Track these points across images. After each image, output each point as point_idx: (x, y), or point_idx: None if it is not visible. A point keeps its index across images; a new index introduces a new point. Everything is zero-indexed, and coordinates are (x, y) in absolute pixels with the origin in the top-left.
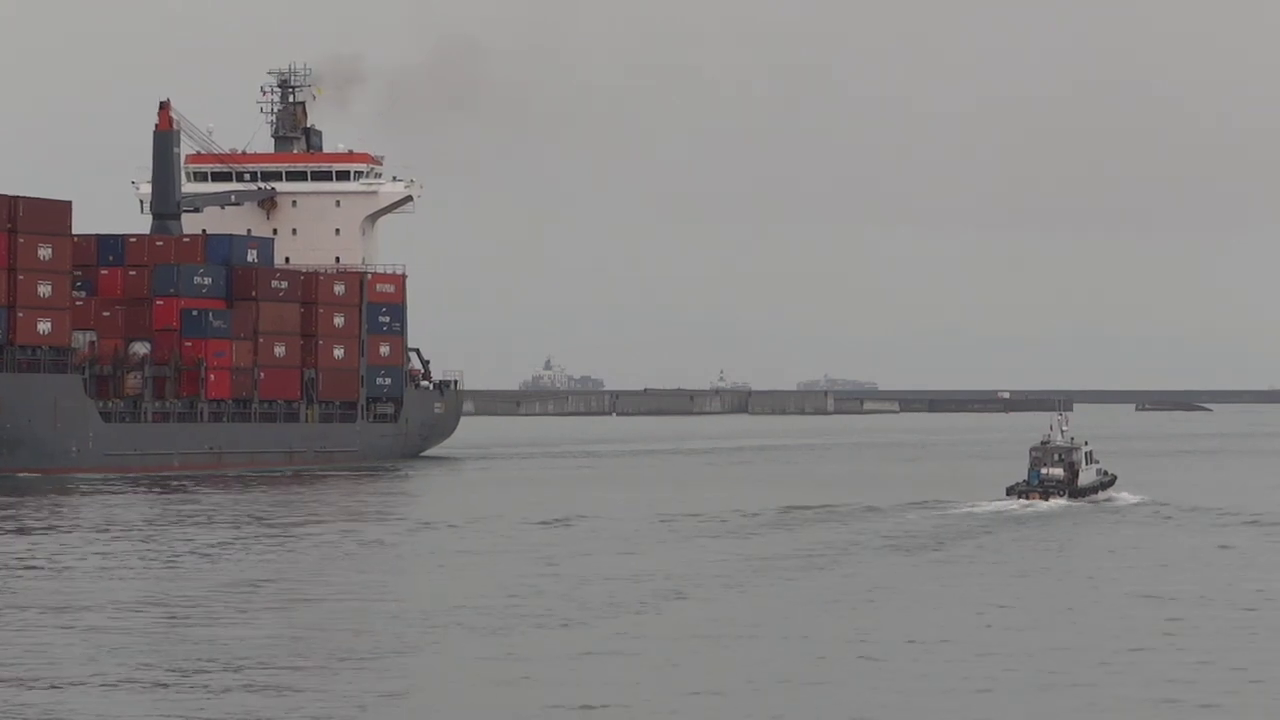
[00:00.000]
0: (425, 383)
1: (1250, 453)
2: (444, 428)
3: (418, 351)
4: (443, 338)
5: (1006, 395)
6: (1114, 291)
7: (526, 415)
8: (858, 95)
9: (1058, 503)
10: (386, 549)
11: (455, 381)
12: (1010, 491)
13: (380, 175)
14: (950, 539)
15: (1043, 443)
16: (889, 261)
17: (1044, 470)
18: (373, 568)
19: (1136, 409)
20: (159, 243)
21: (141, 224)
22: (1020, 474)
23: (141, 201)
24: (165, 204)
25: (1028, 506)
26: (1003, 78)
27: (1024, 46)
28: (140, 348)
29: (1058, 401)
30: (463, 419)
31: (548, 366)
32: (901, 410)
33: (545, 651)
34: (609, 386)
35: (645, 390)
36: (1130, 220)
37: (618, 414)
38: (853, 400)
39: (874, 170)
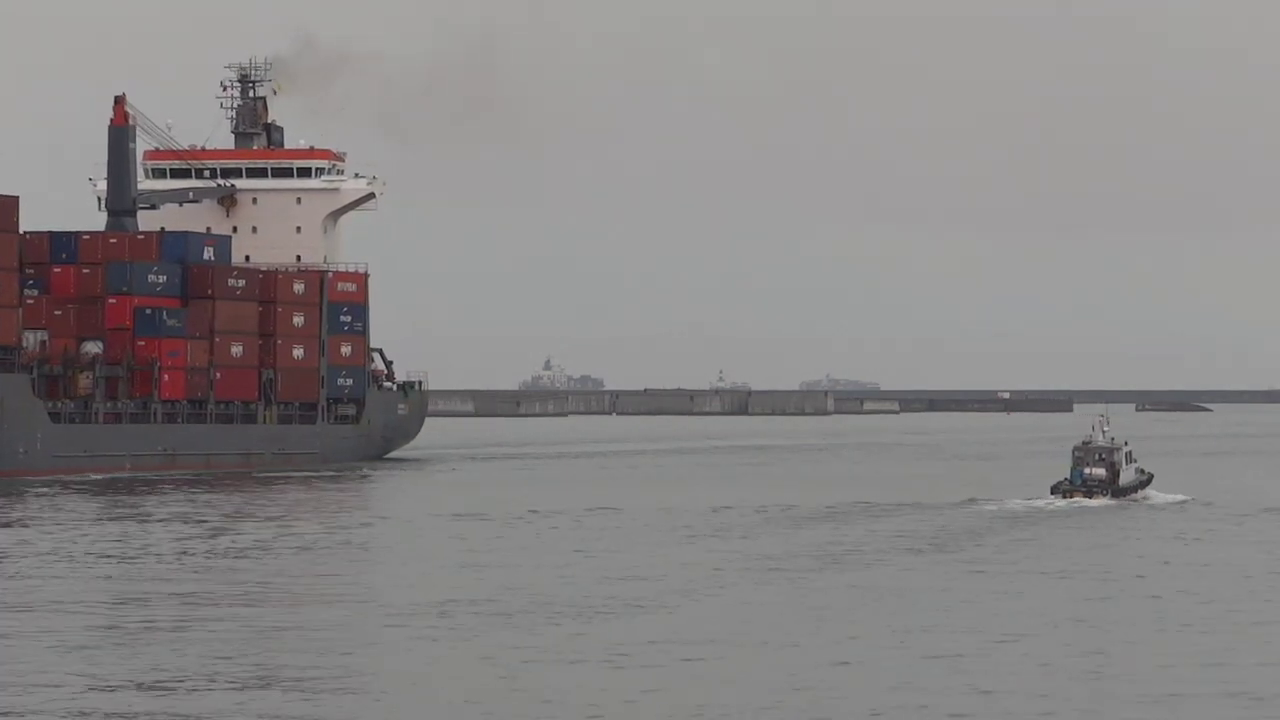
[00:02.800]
0: (388, 384)
1: (1259, 453)
2: (408, 429)
3: (380, 352)
4: (440, 338)
5: (1006, 395)
6: (1114, 291)
7: (527, 415)
8: (860, 94)
9: (1101, 501)
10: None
11: (420, 382)
12: (1055, 490)
13: (342, 172)
14: (1007, 533)
15: (1084, 443)
16: (890, 262)
17: (1086, 470)
18: (339, 570)
19: (1136, 409)
20: (113, 240)
21: (100, 222)
22: (1049, 475)
23: (99, 199)
24: (121, 201)
25: (1074, 504)
26: (1006, 78)
27: (1027, 47)
28: (92, 347)
29: (1064, 398)
30: (463, 420)
31: (547, 367)
32: (902, 410)
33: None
34: (609, 386)
35: (645, 390)
36: (1131, 221)
37: (618, 414)
38: (853, 400)
39: (876, 170)
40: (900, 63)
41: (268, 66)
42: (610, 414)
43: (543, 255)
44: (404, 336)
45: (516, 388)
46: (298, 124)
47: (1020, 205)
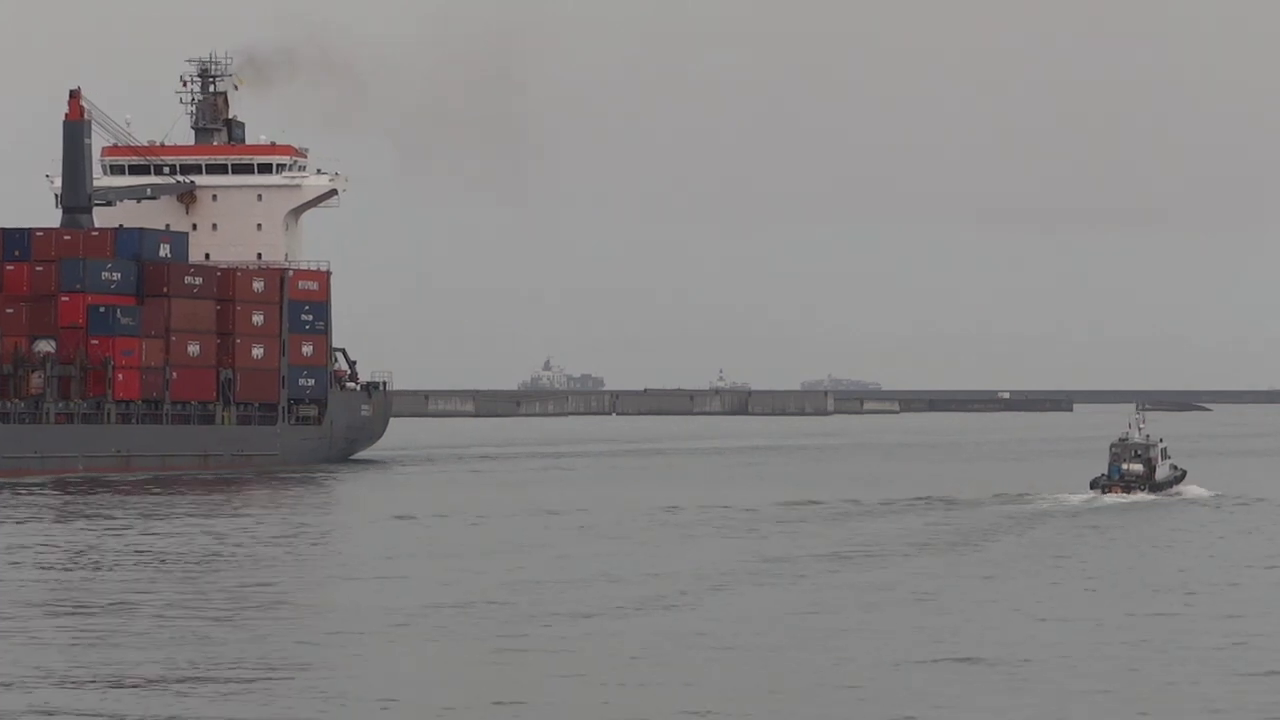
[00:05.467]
0: (351, 384)
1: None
2: (372, 430)
3: (344, 351)
4: (440, 337)
5: (1006, 395)
6: (1114, 291)
7: (527, 415)
8: (861, 94)
9: (1141, 496)
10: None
11: (384, 383)
12: (1094, 485)
13: (304, 168)
14: (1060, 523)
15: (1121, 439)
16: (891, 261)
17: (1124, 466)
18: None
19: (1137, 409)
20: (66, 237)
21: (58, 219)
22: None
23: (56, 196)
24: (76, 197)
25: (1119, 499)
26: (1005, 78)
27: (1028, 46)
28: (44, 346)
29: (1063, 398)
30: (466, 420)
31: (547, 367)
32: (902, 410)
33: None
34: (609, 386)
35: (645, 390)
36: (1131, 221)
37: (618, 414)
38: (853, 400)
39: (876, 170)
40: (901, 62)
41: (229, 61)
42: (610, 414)
43: (543, 254)
44: (402, 335)
45: (516, 388)
46: (284, 120)
47: (1021, 205)
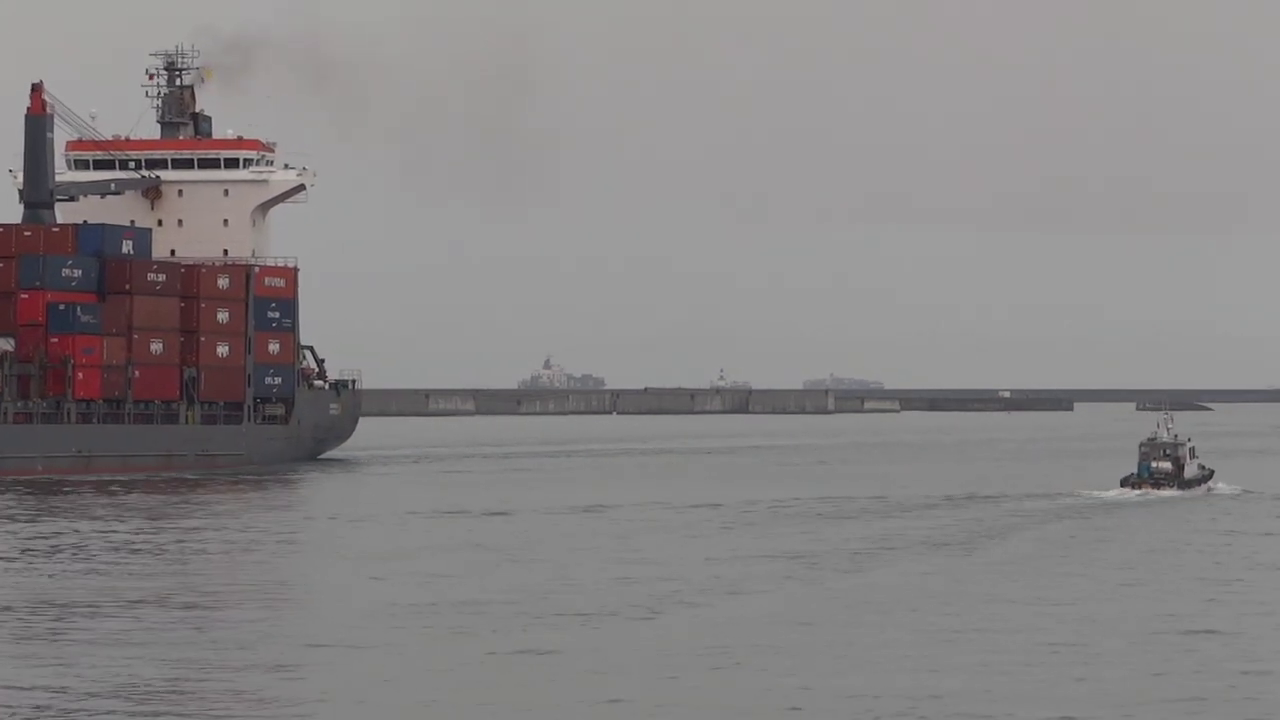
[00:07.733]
0: (319, 382)
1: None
2: (340, 430)
3: (311, 349)
4: (440, 336)
5: (1007, 395)
6: (1114, 291)
7: (527, 414)
8: (860, 94)
9: (1169, 493)
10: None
11: (353, 381)
12: (1124, 482)
13: (272, 163)
14: (1099, 518)
15: (1150, 439)
16: (891, 262)
17: (1153, 464)
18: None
19: (1137, 408)
20: (26, 233)
21: (20, 215)
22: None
23: (19, 191)
24: (38, 192)
25: (1144, 495)
26: (1004, 77)
27: (1026, 46)
28: (3, 344)
29: (1064, 397)
30: (468, 419)
31: (547, 366)
32: (902, 409)
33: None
34: (609, 385)
35: (645, 389)
36: (1131, 220)
37: (618, 413)
38: (854, 399)
39: (877, 170)
40: (902, 62)
41: (195, 53)
42: (611, 413)
43: (543, 254)
44: (402, 335)
45: (516, 386)
46: (280, 118)
47: (1021, 204)
